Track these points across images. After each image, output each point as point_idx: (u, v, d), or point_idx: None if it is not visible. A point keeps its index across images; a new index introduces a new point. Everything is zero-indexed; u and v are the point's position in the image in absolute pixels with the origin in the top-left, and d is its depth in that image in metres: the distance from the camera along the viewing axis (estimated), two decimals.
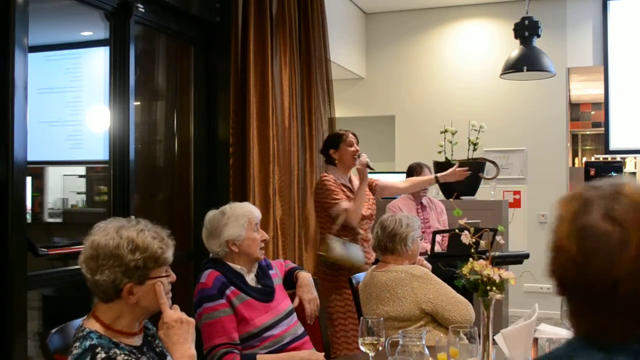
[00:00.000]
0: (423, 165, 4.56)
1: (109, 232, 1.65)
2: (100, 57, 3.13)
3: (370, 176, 3.84)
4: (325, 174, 3.69)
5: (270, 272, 2.63)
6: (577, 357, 0.95)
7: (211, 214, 2.55)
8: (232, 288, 2.41)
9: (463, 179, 4.11)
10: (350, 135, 3.71)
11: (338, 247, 3.53)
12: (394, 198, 4.50)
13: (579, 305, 0.99)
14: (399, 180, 4.23)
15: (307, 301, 2.65)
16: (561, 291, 1.00)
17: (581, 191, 1.02)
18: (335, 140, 3.73)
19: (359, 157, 3.63)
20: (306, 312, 2.66)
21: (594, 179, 1.04)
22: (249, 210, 2.55)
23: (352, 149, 3.67)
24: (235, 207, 2.55)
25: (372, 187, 3.84)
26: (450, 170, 4.08)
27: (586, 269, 0.95)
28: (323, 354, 2.51)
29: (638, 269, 0.93)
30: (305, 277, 2.72)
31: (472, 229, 2.19)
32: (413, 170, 4.54)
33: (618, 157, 7.26)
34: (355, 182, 3.74)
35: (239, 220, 2.48)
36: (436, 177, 4.09)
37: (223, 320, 2.34)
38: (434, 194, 5.00)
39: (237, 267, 2.49)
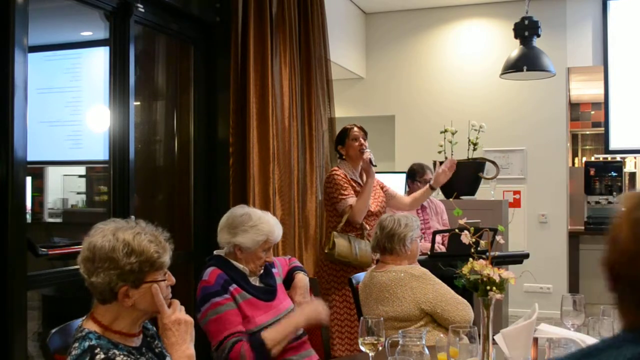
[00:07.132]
0: (425, 167, 4.53)
1: (106, 234, 1.64)
2: (100, 57, 3.13)
3: (382, 181, 3.85)
4: (336, 168, 3.70)
5: (273, 270, 2.64)
6: (625, 349, 0.95)
7: (240, 211, 2.52)
8: (235, 286, 2.42)
9: (453, 173, 3.95)
10: (356, 129, 3.72)
11: (344, 244, 3.53)
12: None
13: (627, 298, 1.00)
14: (403, 194, 4.24)
15: (298, 304, 2.62)
16: (612, 284, 1.01)
17: None
18: (341, 136, 3.76)
19: (363, 152, 3.63)
20: None
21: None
22: (272, 230, 2.50)
23: (357, 143, 3.68)
24: (263, 219, 2.50)
25: (382, 191, 3.84)
26: (436, 172, 3.93)
27: (636, 260, 0.96)
28: (326, 313, 2.53)
29: None
30: (301, 279, 2.71)
31: (472, 229, 2.19)
32: (415, 173, 4.52)
33: (618, 157, 7.26)
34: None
35: (258, 235, 2.45)
36: (430, 185, 3.96)
37: (229, 313, 2.34)
38: (434, 194, 5.00)
39: (240, 266, 2.49)
